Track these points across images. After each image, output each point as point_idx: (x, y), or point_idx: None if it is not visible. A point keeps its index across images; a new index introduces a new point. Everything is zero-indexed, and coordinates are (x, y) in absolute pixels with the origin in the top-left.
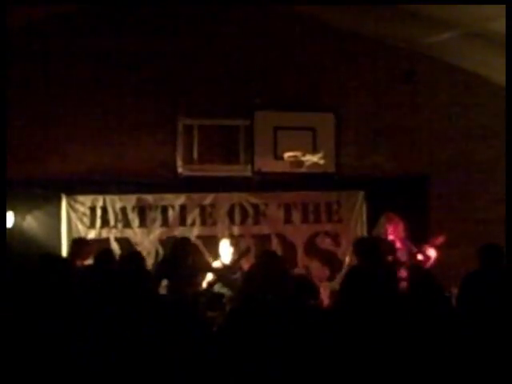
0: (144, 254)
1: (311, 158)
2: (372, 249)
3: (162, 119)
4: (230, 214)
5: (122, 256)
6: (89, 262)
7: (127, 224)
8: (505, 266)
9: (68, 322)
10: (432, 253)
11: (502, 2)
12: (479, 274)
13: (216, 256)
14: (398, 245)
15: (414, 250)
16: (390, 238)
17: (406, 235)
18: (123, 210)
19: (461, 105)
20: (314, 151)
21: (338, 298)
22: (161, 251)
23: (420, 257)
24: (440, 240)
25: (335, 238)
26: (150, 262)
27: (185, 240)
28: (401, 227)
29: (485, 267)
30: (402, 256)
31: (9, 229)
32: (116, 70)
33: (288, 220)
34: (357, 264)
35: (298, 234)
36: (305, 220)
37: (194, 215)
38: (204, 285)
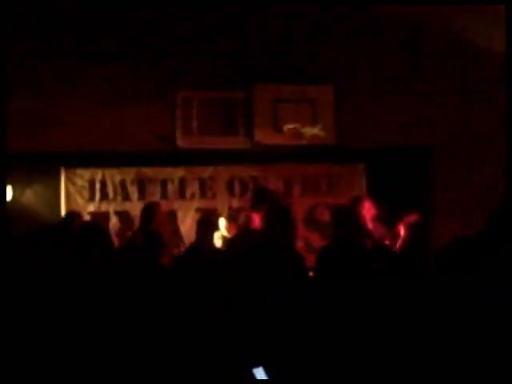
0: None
1: (311, 130)
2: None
3: (161, 92)
4: (230, 187)
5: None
6: None
7: (126, 197)
8: None
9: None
10: (401, 231)
11: (502, 2)
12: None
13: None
14: (370, 226)
15: (384, 232)
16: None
17: (376, 215)
18: (122, 183)
19: (461, 75)
20: (314, 123)
21: None
22: None
23: (387, 241)
24: (413, 218)
25: None
26: None
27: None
28: (369, 207)
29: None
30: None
31: (7, 202)
32: (115, 42)
33: (288, 193)
34: None
35: (298, 206)
36: (305, 192)
37: (193, 188)
38: None
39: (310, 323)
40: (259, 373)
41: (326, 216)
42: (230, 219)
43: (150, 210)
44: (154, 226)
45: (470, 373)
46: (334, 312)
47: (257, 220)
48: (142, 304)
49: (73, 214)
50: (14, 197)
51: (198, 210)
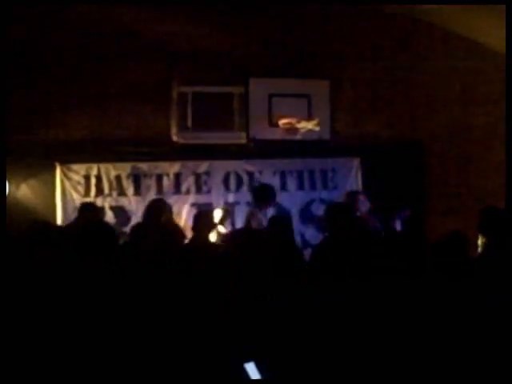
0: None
1: (306, 125)
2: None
3: (157, 87)
4: (225, 182)
5: None
6: None
7: (122, 192)
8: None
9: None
10: (398, 226)
11: (502, 2)
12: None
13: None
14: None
15: (379, 226)
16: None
17: (371, 209)
18: (118, 178)
19: (458, 71)
20: (310, 118)
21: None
22: None
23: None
24: (408, 212)
25: None
26: None
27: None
28: (364, 202)
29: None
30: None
31: None
32: (111, 37)
33: (283, 187)
34: None
35: (294, 201)
36: (300, 187)
37: (188, 183)
38: None
39: (305, 321)
40: (250, 368)
41: (321, 210)
42: (225, 215)
43: (157, 207)
44: (161, 222)
45: (469, 372)
46: (330, 310)
47: (260, 217)
48: (141, 300)
49: (89, 207)
50: (9, 192)
51: (193, 204)
